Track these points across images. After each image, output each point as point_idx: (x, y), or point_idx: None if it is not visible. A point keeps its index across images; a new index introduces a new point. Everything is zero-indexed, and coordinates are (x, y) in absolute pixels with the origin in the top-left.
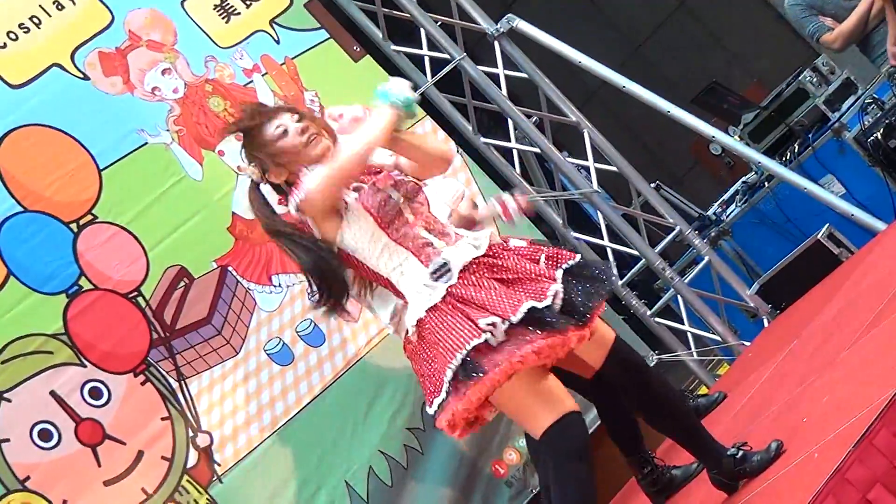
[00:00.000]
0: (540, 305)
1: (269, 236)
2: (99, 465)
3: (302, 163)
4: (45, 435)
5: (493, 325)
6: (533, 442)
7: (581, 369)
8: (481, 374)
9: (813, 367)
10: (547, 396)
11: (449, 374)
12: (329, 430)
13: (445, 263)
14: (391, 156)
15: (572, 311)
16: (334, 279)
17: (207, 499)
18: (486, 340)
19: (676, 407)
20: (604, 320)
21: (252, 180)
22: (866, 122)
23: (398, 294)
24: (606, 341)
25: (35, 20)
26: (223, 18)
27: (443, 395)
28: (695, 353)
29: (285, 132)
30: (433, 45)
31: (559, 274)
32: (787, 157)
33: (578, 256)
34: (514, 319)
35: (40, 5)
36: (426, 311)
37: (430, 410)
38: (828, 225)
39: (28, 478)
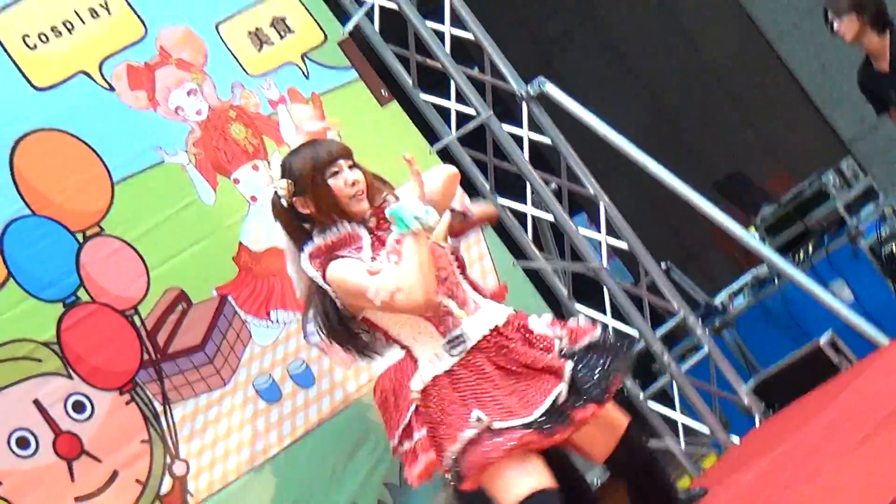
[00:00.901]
0: (528, 420)
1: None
2: (72, 480)
3: (336, 212)
4: (22, 442)
5: (479, 420)
6: None
7: (590, 454)
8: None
9: (796, 476)
10: (523, 469)
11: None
12: (307, 474)
13: (461, 335)
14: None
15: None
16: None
17: None
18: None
19: (668, 500)
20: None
21: (276, 195)
22: (883, 233)
23: (412, 358)
24: (618, 428)
25: (68, 25)
26: (256, 46)
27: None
28: (682, 444)
29: (336, 174)
30: (461, 99)
31: (568, 368)
32: (801, 256)
33: (598, 331)
34: (496, 427)
35: (76, 11)
36: (431, 378)
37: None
38: (830, 331)
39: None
